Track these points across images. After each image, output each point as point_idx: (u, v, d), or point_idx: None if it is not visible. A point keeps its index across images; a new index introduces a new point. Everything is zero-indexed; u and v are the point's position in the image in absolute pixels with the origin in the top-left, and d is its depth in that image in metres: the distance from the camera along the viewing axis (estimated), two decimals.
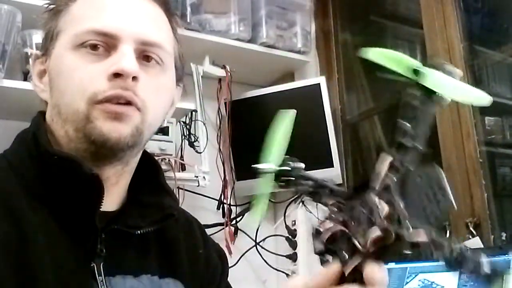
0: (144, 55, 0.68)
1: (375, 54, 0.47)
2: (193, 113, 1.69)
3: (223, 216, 1.77)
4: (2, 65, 1.29)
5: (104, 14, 0.67)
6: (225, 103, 1.83)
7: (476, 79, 1.49)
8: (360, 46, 2.10)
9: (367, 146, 1.89)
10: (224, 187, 1.79)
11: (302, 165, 0.51)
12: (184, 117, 1.72)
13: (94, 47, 0.65)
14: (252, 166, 0.50)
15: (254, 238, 1.81)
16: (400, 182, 0.43)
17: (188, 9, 1.69)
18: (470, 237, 1.30)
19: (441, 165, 1.42)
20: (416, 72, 0.43)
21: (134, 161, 0.72)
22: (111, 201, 0.70)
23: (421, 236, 0.41)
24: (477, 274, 0.40)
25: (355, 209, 0.45)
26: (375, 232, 0.42)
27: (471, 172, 1.37)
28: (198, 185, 1.62)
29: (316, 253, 0.47)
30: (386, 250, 0.43)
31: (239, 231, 1.81)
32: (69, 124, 0.65)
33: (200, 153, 1.66)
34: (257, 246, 1.81)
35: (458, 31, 1.49)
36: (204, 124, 1.68)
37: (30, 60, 1.28)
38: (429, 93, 0.43)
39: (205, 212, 1.74)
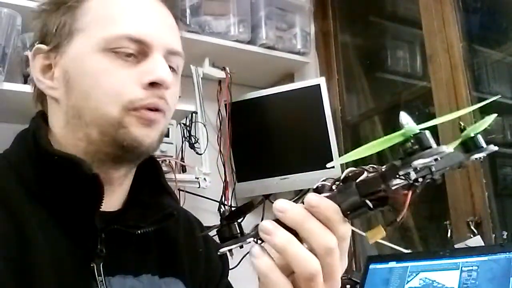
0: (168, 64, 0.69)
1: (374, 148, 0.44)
2: (193, 114, 1.70)
3: None
4: (2, 68, 1.29)
5: (135, 19, 0.66)
6: (225, 104, 1.83)
7: (475, 79, 1.49)
8: (360, 46, 2.09)
9: None
10: (225, 188, 1.79)
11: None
12: (185, 118, 1.72)
13: (128, 54, 0.65)
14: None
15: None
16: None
17: (188, 11, 1.69)
18: (472, 236, 1.30)
19: None
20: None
21: None
22: (114, 201, 0.71)
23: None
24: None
25: None
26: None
27: (471, 171, 1.37)
28: (199, 187, 1.61)
29: None
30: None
31: None
32: (94, 127, 0.65)
33: (201, 154, 1.66)
34: None
35: (457, 31, 1.49)
36: (204, 125, 1.68)
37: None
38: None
39: (206, 214, 1.74)
